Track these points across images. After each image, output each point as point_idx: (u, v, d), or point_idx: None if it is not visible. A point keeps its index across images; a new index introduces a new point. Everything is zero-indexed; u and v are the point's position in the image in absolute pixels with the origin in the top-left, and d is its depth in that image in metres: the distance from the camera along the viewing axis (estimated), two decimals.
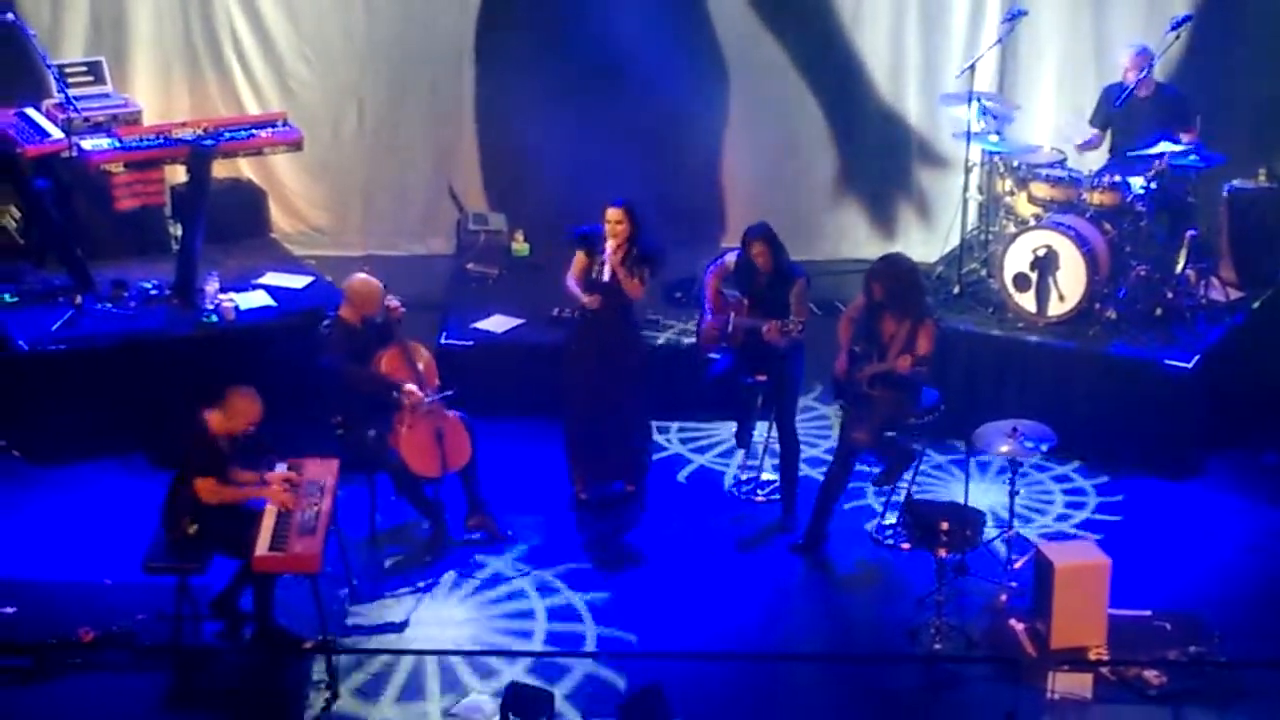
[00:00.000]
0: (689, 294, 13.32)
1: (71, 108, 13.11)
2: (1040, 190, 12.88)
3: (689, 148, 14.83)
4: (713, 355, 11.84)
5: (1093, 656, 10.21)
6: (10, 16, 13.26)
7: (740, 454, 12.22)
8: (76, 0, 14.17)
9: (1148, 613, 10.55)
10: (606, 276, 11.46)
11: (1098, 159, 13.37)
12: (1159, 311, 12.58)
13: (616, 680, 10.01)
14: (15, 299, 12.75)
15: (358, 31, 14.62)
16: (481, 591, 10.88)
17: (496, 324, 13.16)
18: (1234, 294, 13.03)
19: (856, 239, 15.03)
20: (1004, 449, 10.72)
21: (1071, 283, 12.46)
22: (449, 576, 10.99)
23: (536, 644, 10.23)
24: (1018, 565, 10.88)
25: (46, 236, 13.11)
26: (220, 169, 13.42)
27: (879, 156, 14.99)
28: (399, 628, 10.56)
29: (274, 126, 13.22)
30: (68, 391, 12.11)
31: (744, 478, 12.15)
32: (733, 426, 12.16)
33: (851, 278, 13.31)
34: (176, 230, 13.58)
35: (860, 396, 11.18)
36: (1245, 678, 10.01)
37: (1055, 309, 12.56)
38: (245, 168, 14.45)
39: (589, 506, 11.82)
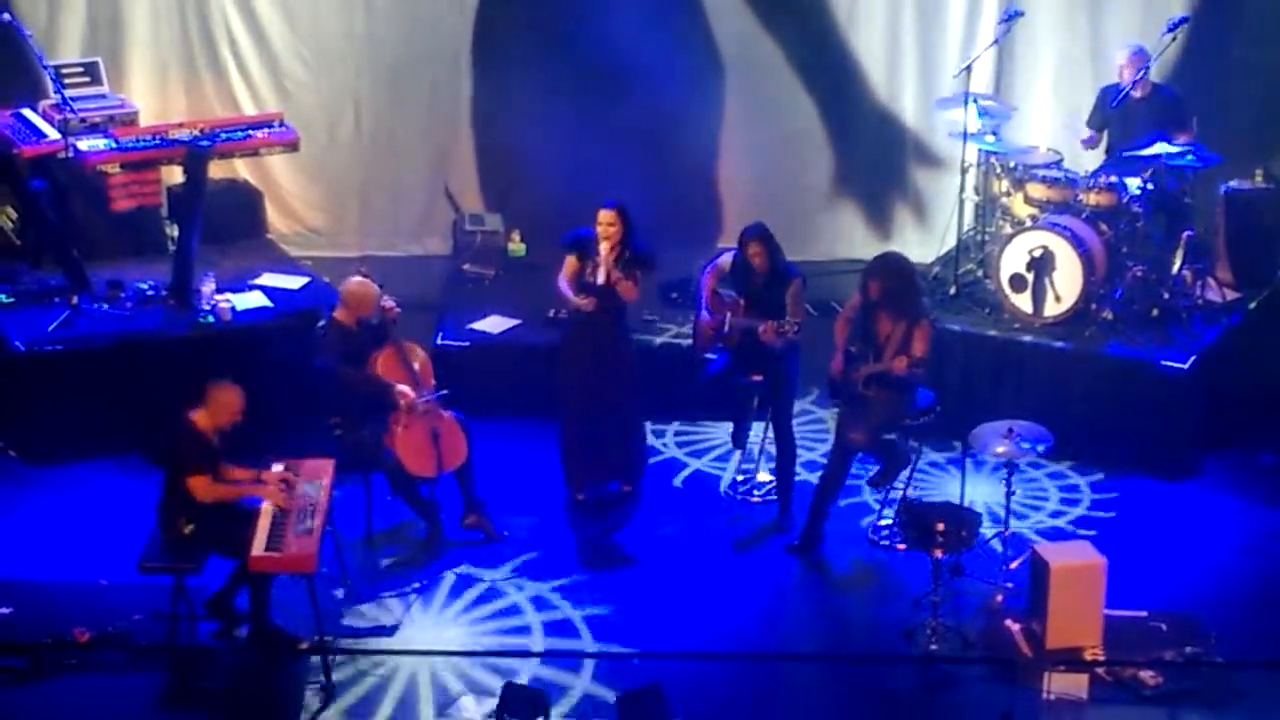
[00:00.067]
0: (685, 294, 13.31)
1: (68, 108, 13.11)
2: (1037, 191, 12.89)
3: (685, 148, 14.82)
4: (709, 356, 11.83)
5: (1088, 657, 10.21)
6: (6, 17, 13.26)
7: (736, 455, 12.22)
8: (73, 1, 14.15)
9: (1144, 613, 10.55)
10: (601, 279, 11.46)
11: (1094, 160, 13.36)
12: (1155, 312, 12.58)
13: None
14: (11, 299, 12.74)
15: (354, 32, 14.61)
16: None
17: (493, 324, 13.16)
18: (1230, 295, 13.03)
19: (853, 239, 15.02)
20: (1000, 450, 10.72)
21: (1068, 283, 12.46)
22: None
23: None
24: (1013, 566, 10.88)
25: (43, 237, 13.11)
26: (216, 170, 13.41)
27: (875, 157, 14.99)
28: (392, 630, 10.54)
29: (270, 127, 13.20)
30: (64, 392, 12.11)
31: (740, 479, 12.15)
32: (729, 427, 12.16)
33: (848, 278, 13.30)
34: (173, 231, 13.58)
35: (856, 397, 11.18)
36: (1241, 678, 10.01)
37: (1051, 310, 12.56)
38: (241, 168, 14.45)
39: (586, 507, 11.82)
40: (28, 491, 11.89)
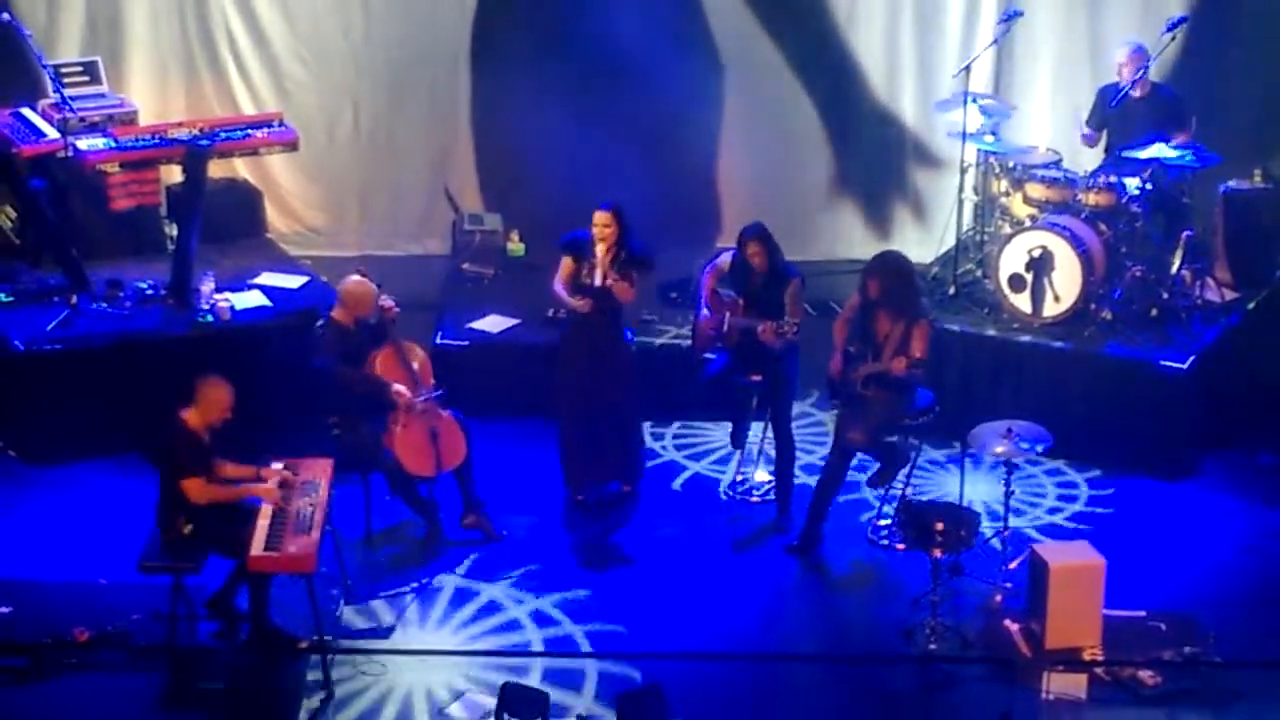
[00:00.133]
0: (685, 294, 13.31)
1: (67, 108, 13.11)
2: (1036, 191, 12.89)
3: (684, 148, 14.83)
4: (708, 356, 11.83)
5: (1087, 657, 10.22)
6: (6, 16, 13.26)
7: (736, 456, 12.22)
8: (72, 0, 14.16)
9: (1142, 613, 10.55)
10: (598, 281, 11.46)
11: (1093, 159, 13.37)
12: (1154, 312, 12.59)
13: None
14: (10, 299, 12.74)
15: (354, 32, 14.62)
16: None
17: (492, 324, 13.16)
18: (1229, 295, 13.03)
19: (852, 239, 15.02)
20: (999, 450, 10.73)
21: (1067, 283, 12.46)
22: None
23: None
24: (1012, 566, 10.88)
25: (42, 236, 13.11)
26: (216, 169, 13.41)
27: (874, 157, 14.99)
28: (387, 632, 10.53)
29: (270, 127, 13.20)
30: (63, 391, 12.11)
31: (739, 479, 12.15)
32: (728, 429, 12.17)
33: (847, 278, 13.29)
34: (172, 230, 13.58)
35: (855, 397, 11.18)
36: (1240, 678, 10.01)
37: (1050, 310, 12.56)
38: (241, 168, 14.45)
39: (585, 508, 11.82)
40: (27, 491, 11.89)
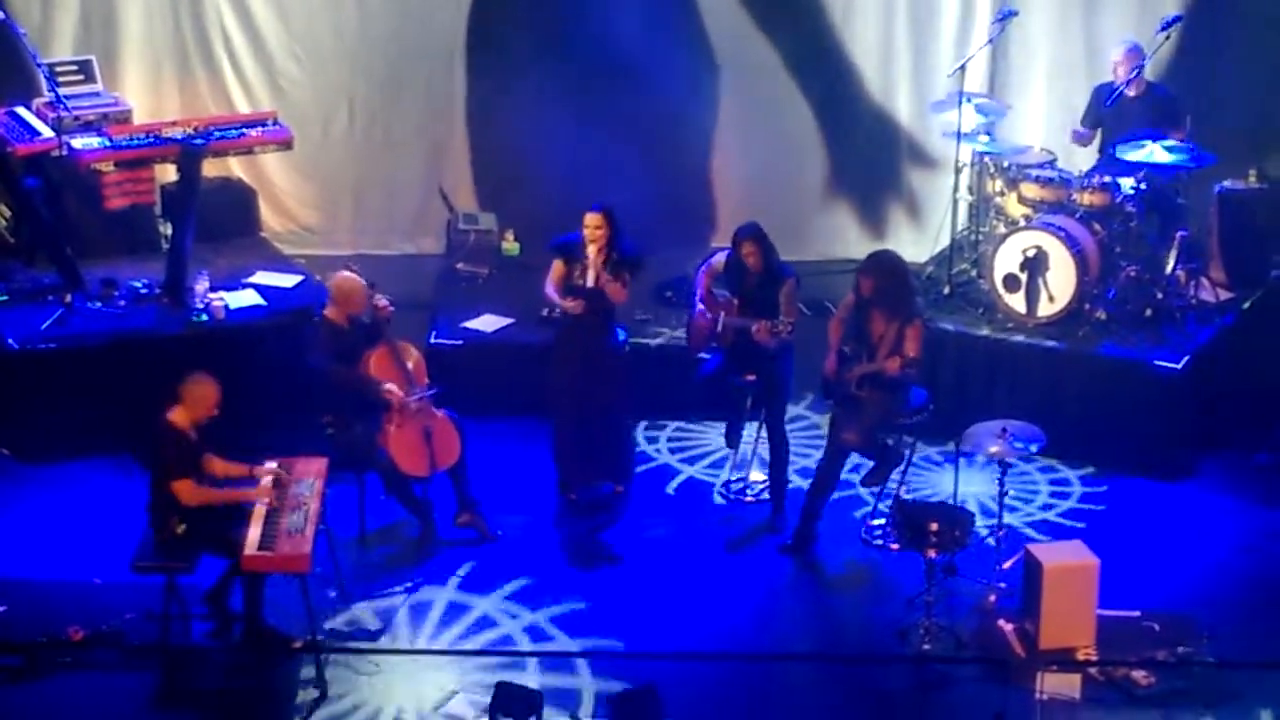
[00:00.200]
0: (680, 294, 13.31)
1: (62, 106, 13.09)
2: (1030, 191, 12.88)
3: (679, 148, 14.83)
4: (703, 355, 11.83)
5: (1081, 657, 10.22)
6: (0, 15, 13.24)
7: (731, 455, 12.21)
8: None
9: (1137, 613, 10.56)
10: (590, 282, 11.46)
11: (1088, 159, 13.37)
12: (1149, 312, 12.59)
13: None
14: (5, 297, 12.74)
15: (348, 30, 14.61)
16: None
17: (486, 323, 13.16)
18: (1224, 295, 13.04)
19: (847, 239, 15.02)
20: (993, 450, 10.73)
21: (1061, 283, 12.46)
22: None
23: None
24: (1006, 566, 10.88)
25: (36, 235, 13.09)
26: (210, 168, 13.37)
27: (869, 157, 14.99)
28: (378, 635, 10.52)
29: (264, 125, 13.22)
30: (57, 390, 12.10)
31: (733, 478, 12.15)
32: (722, 433, 12.17)
33: (842, 278, 13.26)
34: (166, 229, 13.57)
35: (849, 397, 11.18)
36: (1234, 678, 10.01)
37: (1045, 310, 12.56)
38: (235, 167, 14.42)
39: (578, 507, 11.82)
40: (21, 490, 11.88)
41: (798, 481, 11.82)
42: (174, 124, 13.09)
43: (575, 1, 14.21)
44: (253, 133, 13.10)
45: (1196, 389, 12.27)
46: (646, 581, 11.09)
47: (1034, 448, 10.86)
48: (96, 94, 13.62)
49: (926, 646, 10.39)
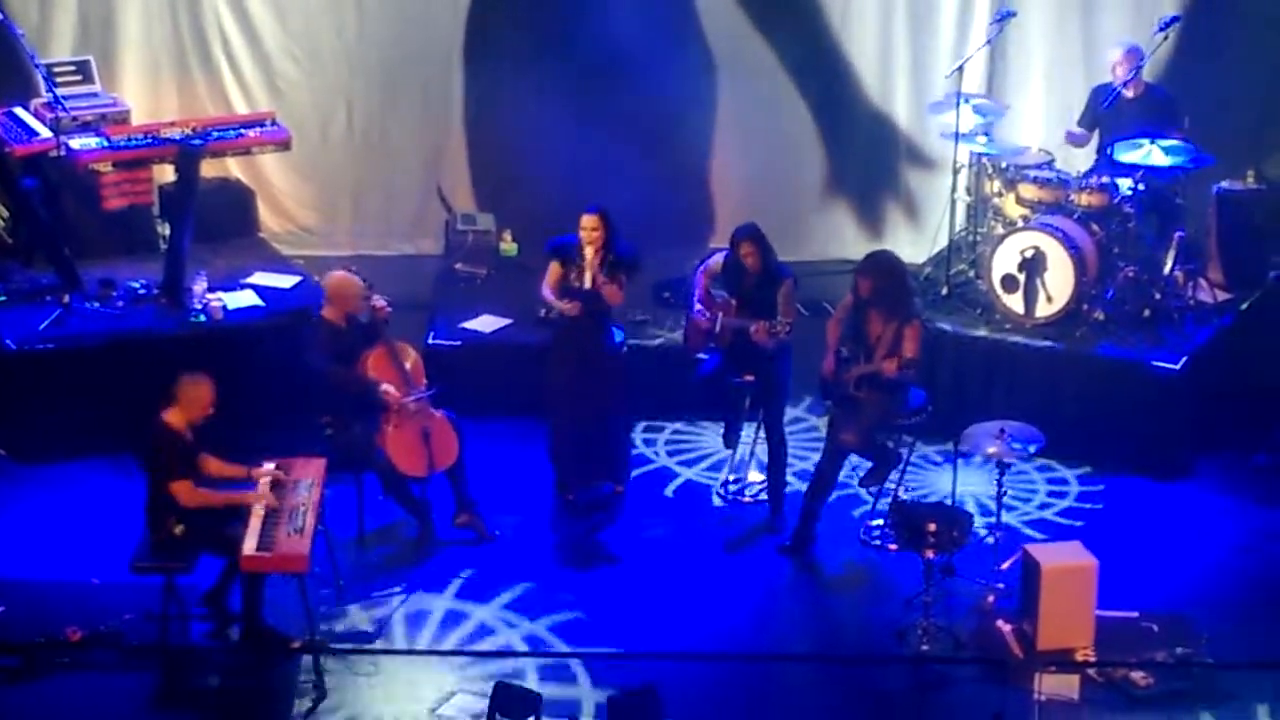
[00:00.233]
0: (678, 294, 13.30)
1: (60, 107, 13.07)
2: (1028, 191, 12.89)
3: (677, 148, 14.81)
4: (701, 356, 11.83)
5: (1080, 658, 10.22)
6: None
7: (730, 457, 12.21)
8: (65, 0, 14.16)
9: (1135, 614, 10.56)
10: (587, 284, 11.46)
11: (1086, 160, 13.37)
12: (1147, 313, 12.59)
13: None
14: (3, 298, 12.74)
15: (346, 31, 14.59)
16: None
17: (484, 324, 13.16)
18: (1222, 295, 13.04)
19: (845, 240, 15.01)
20: (992, 450, 10.74)
21: (1059, 284, 12.47)
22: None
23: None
24: (1005, 567, 10.88)
25: (34, 235, 13.09)
26: (208, 168, 13.37)
27: (867, 157, 14.98)
28: (374, 636, 10.51)
29: (262, 126, 13.22)
30: (55, 390, 12.10)
31: (731, 479, 12.15)
32: (720, 434, 12.17)
33: (840, 278, 13.27)
34: (164, 230, 13.56)
35: (847, 398, 11.18)
36: (1232, 679, 10.01)
37: (1043, 310, 12.57)
38: (233, 167, 14.41)
39: (576, 508, 11.82)
40: (19, 490, 11.88)
41: (795, 484, 11.81)
42: (172, 124, 13.08)
43: (573, 2, 14.19)
44: (251, 133, 13.10)
45: (1194, 389, 12.27)
46: (645, 582, 11.09)
47: (1032, 448, 10.87)
48: (94, 94, 13.60)
49: (925, 647, 10.39)
